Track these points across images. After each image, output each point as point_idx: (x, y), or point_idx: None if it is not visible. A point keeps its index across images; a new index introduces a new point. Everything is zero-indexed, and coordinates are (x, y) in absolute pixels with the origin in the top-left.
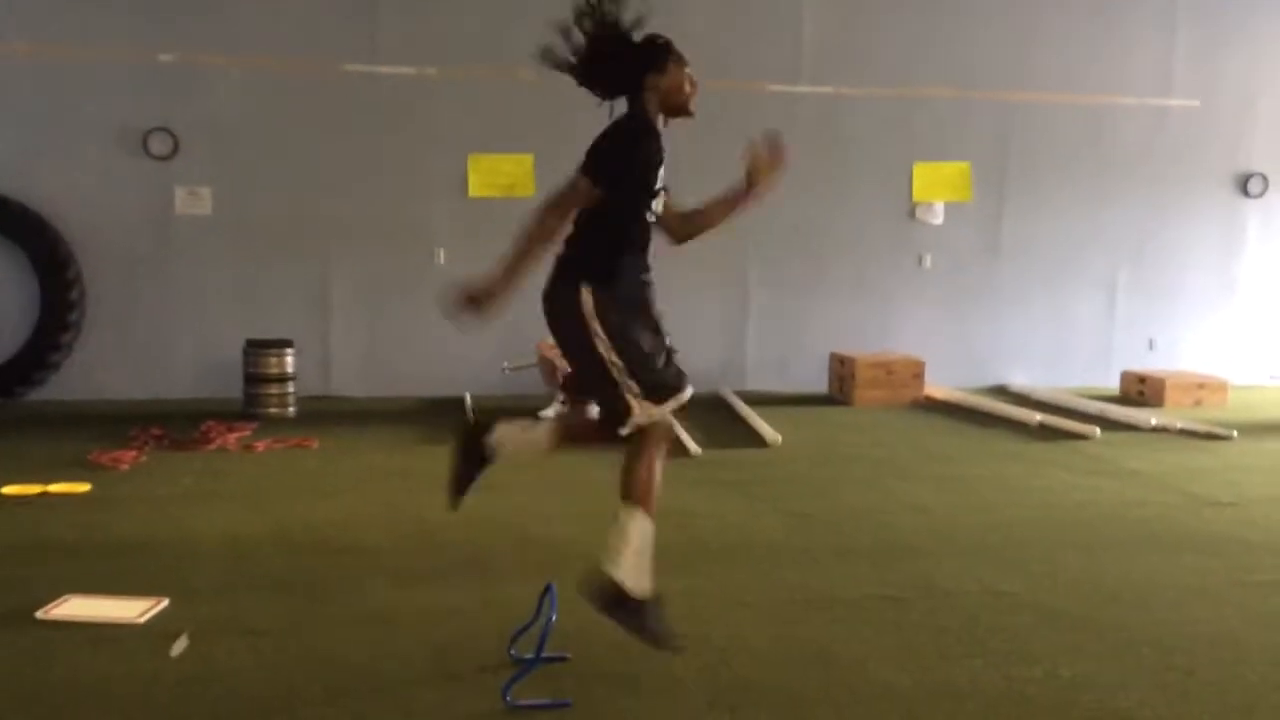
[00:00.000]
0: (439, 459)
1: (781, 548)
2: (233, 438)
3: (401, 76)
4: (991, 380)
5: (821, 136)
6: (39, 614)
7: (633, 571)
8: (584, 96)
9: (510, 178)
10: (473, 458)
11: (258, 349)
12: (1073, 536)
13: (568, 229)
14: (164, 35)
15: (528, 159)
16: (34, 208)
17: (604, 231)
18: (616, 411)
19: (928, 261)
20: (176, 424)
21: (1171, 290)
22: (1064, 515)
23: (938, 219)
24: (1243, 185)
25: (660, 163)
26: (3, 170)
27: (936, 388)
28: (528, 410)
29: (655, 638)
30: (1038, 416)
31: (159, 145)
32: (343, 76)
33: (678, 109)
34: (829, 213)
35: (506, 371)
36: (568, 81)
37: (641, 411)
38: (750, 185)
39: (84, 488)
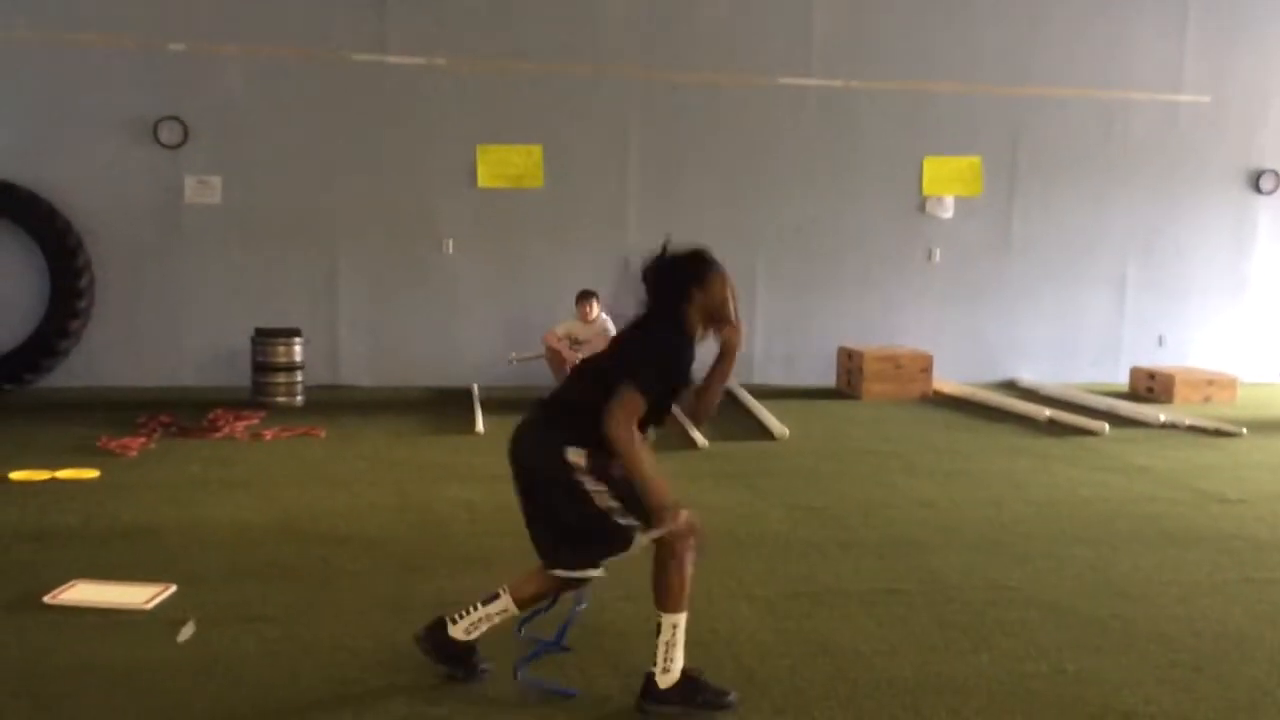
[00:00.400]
0: (446, 449)
1: (787, 541)
2: (241, 426)
3: (410, 67)
4: (1000, 375)
5: (831, 129)
6: (47, 599)
7: (676, 663)
8: (592, 90)
9: (519, 168)
10: (455, 657)
11: (266, 338)
12: (1080, 532)
13: (570, 391)
14: (175, 25)
15: (536, 150)
16: (44, 196)
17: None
18: (609, 550)
19: (937, 256)
20: (184, 412)
21: (1181, 287)
22: (1071, 511)
23: (947, 213)
24: (1254, 182)
25: (689, 381)
26: (14, 158)
27: (945, 382)
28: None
29: (713, 705)
30: (1046, 412)
31: (169, 134)
32: (352, 66)
33: (721, 319)
34: (838, 206)
35: (513, 363)
36: (577, 74)
37: (643, 538)
38: (727, 352)
39: (92, 474)
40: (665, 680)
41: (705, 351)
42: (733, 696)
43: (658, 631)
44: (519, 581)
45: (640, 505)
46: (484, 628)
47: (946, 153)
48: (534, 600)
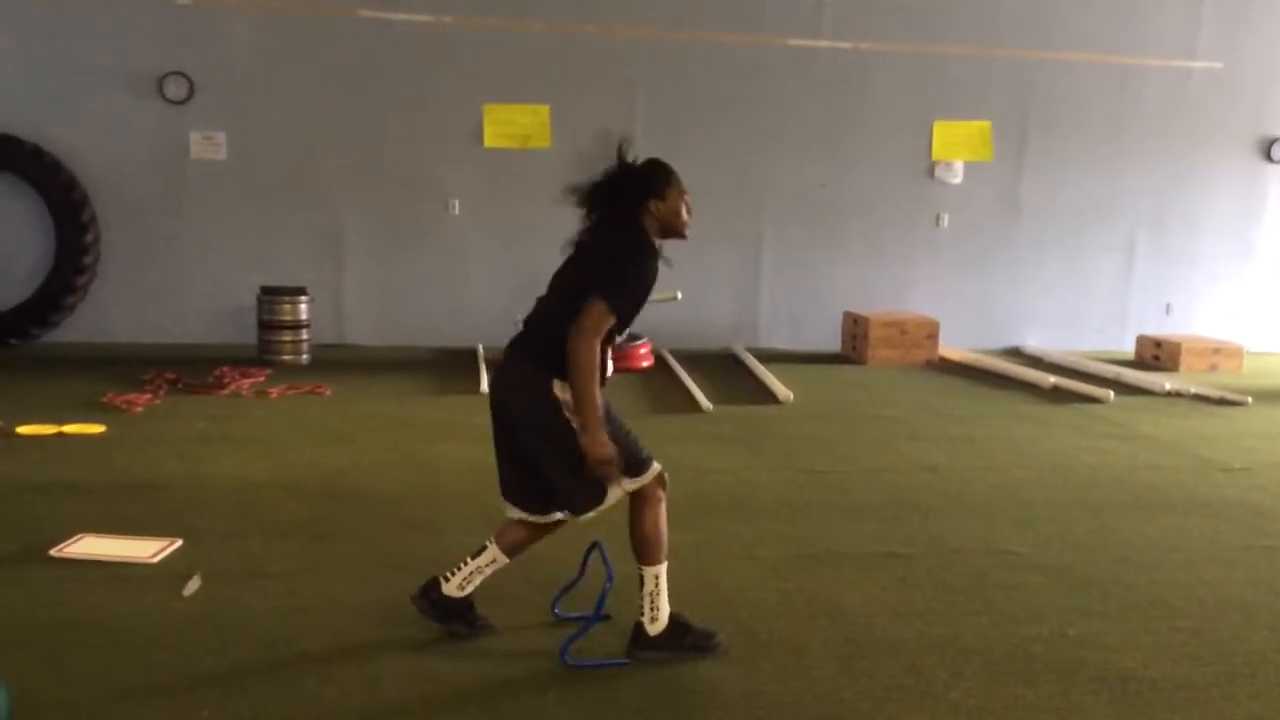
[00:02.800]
0: (450, 409)
1: (791, 504)
2: (246, 383)
3: (418, 24)
4: (1006, 342)
5: (840, 92)
6: (53, 551)
7: (662, 610)
8: (600, 50)
9: (525, 128)
10: (453, 613)
11: (272, 296)
12: (1082, 498)
13: (545, 319)
14: None
15: (543, 109)
16: (50, 151)
17: None
18: (582, 498)
19: (945, 221)
20: (190, 368)
21: (1190, 255)
22: (1074, 477)
23: (957, 178)
24: (1265, 150)
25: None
26: (20, 113)
27: (950, 348)
28: None
29: (700, 647)
30: (1051, 379)
31: (174, 89)
32: (359, 23)
33: (673, 232)
34: (846, 170)
35: (519, 324)
36: (584, 35)
37: (616, 492)
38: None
39: (99, 429)
40: (654, 628)
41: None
42: (719, 638)
43: (640, 584)
44: (503, 529)
45: (625, 451)
46: (477, 581)
47: (956, 117)
48: (521, 546)
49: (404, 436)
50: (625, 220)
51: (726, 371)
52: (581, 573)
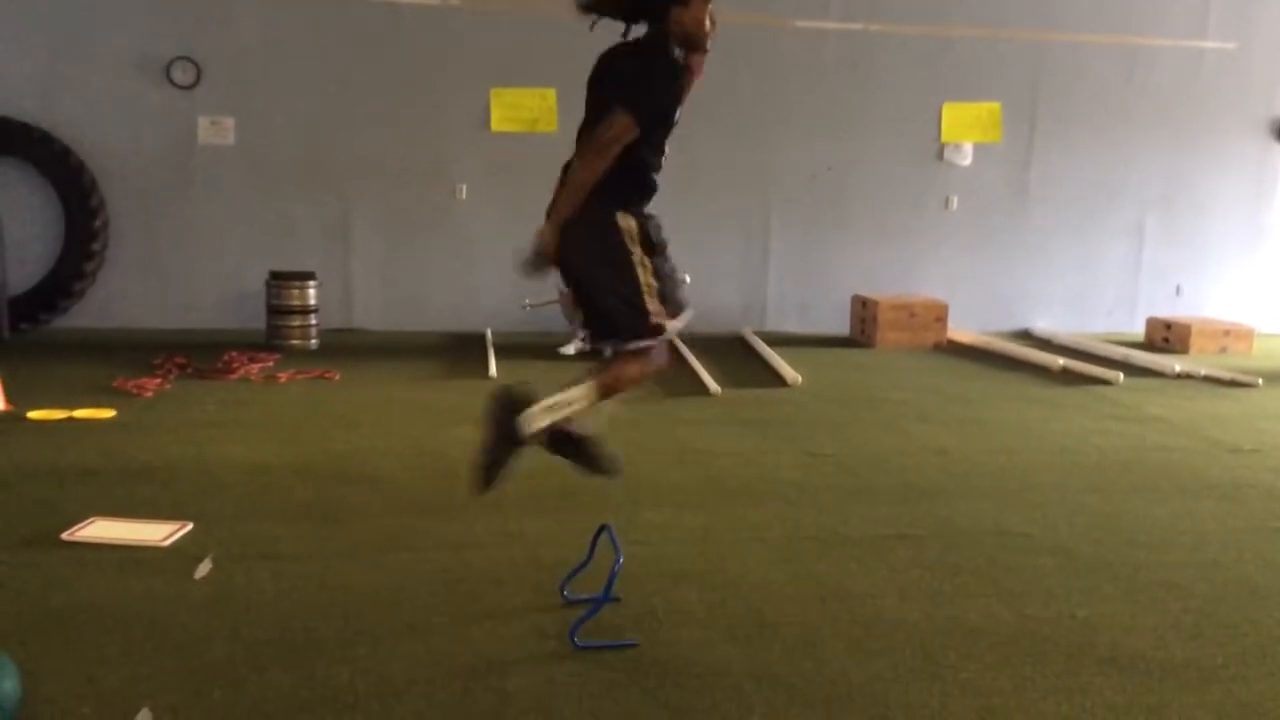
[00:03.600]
0: (459, 394)
1: (799, 486)
2: (255, 368)
3: (425, 7)
4: (1015, 325)
5: (848, 74)
6: (65, 535)
7: (544, 418)
8: (607, 33)
9: (533, 112)
10: (508, 437)
11: (281, 281)
12: (1092, 480)
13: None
14: None
15: (551, 93)
16: (58, 136)
17: (631, 161)
18: (635, 328)
19: (954, 203)
20: (199, 353)
21: (1200, 237)
22: (1083, 459)
23: (966, 160)
24: (1278, 131)
25: (683, 97)
26: (27, 98)
27: (959, 331)
28: (550, 346)
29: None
30: (1060, 361)
31: (182, 74)
32: (367, 7)
33: (695, 44)
34: (854, 152)
35: (528, 308)
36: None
37: (666, 328)
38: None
39: (109, 414)
40: (528, 420)
41: None
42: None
43: (573, 384)
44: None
45: (672, 297)
46: (559, 414)
47: (966, 98)
48: (615, 389)
49: (413, 421)
50: (649, 32)
51: (734, 355)
52: (590, 555)
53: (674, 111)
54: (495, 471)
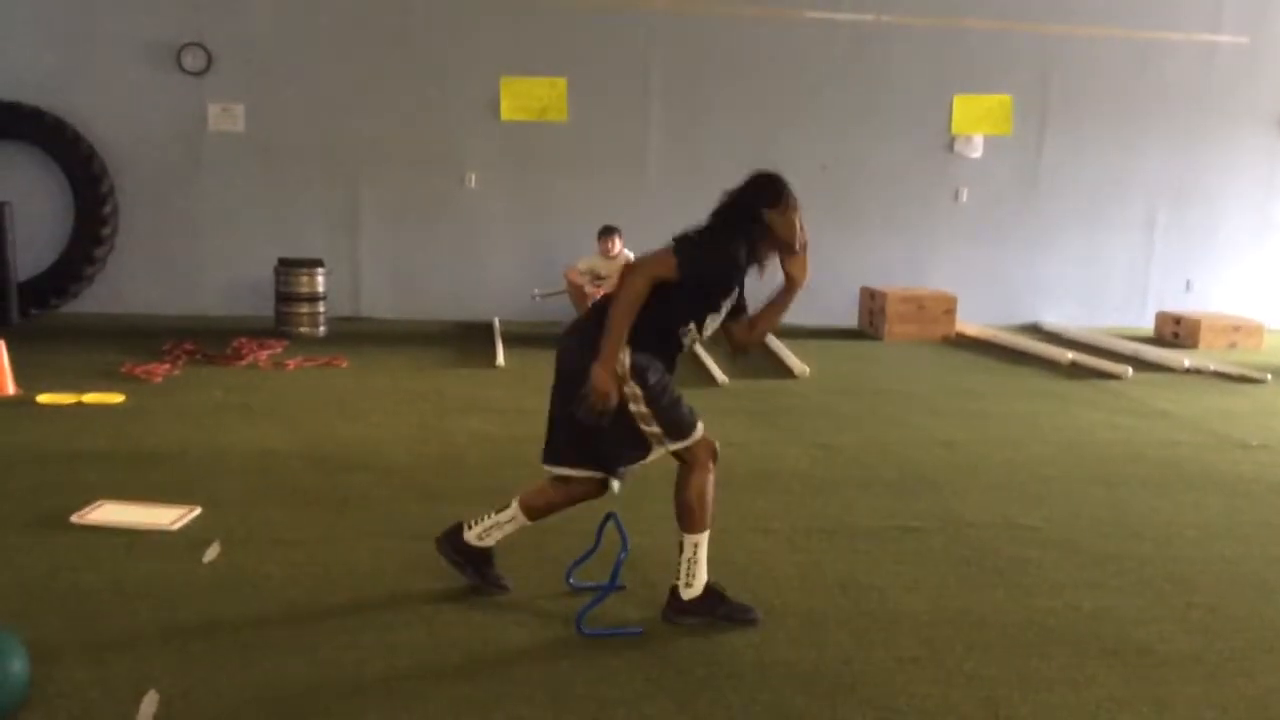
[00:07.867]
0: (466, 382)
1: (806, 477)
2: (264, 355)
3: None
4: (1024, 318)
5: (860, 65)
6: (74, 518)
7: (698, 578)
8: (618, 22)
9: (543, 101)
10: (470, 560)
11: (289, 268)
12: (1098, 473)
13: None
14: None
15: (561, 82)
16: (69, 122)
17: (654, 314)
18: (627, 450)
19: (964, 196)
20: (208, 340)
21: (1210, 231)
22: (1091, 453)
23: (976, 152)
24: None
25: (735, 289)
26: (39, 84)
27: (968, 324)
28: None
29: (734, 619)
30: (1069, 355)
31: (192, 61)
32: None
33: (787, 245)
34: (865, 144)
35: (536, 299)
36: (603, 7)
37: (659, 450)
38: (791, 285)
39: (118, 398)
40: (689, 593)
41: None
42: (756, 614)
43: (680, 550)
44: (530, 493)
45: (668, 416)
46: (496, 535)
47: (977, 91)
48: (544, 511)
49: (420, 408)
50: (731, 223)
51: None
52: (597, 543)
53: (716, 291)
54: (489, 576)
